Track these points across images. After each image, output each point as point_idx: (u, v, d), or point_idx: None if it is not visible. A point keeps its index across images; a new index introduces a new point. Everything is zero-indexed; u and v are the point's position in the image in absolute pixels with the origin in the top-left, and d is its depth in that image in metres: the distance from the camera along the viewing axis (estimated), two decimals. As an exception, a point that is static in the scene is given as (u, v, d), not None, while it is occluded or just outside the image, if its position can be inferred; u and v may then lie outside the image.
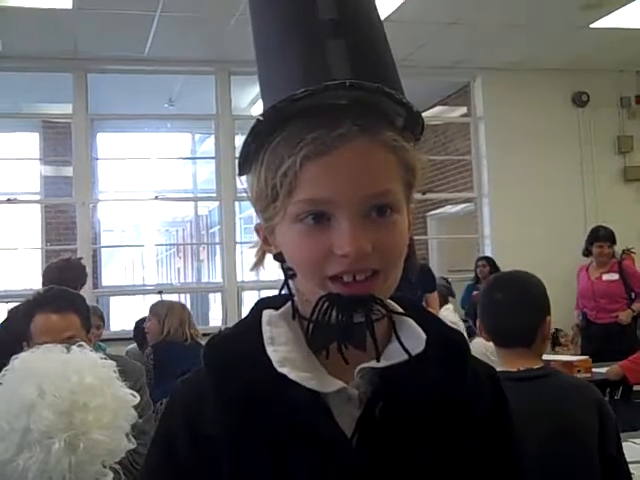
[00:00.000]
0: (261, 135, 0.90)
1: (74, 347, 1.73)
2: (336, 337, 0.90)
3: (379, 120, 0.90)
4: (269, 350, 0.93)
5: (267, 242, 0.97)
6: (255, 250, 1.01)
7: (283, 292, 0.99)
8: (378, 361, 0.92)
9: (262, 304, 1.01)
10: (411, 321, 0.98)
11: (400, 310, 0.98)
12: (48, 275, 4.49)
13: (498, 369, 2.14)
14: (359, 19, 0.96)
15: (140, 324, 5.79)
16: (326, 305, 0.88)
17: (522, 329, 2.23)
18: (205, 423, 0.92)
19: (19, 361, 1.67)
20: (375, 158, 0.88)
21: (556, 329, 8.08)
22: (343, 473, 0.90)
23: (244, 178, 0.96)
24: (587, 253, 7.10)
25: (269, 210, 0.92)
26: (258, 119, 0.89)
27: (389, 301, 0.95)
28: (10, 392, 1.58)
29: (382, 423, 0.91)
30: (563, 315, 8.01)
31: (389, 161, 0.90)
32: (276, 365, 0.91)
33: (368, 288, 0.88)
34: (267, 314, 0.98)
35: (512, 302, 2.26)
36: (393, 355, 0.93)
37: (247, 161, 0.93)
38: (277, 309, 0.99)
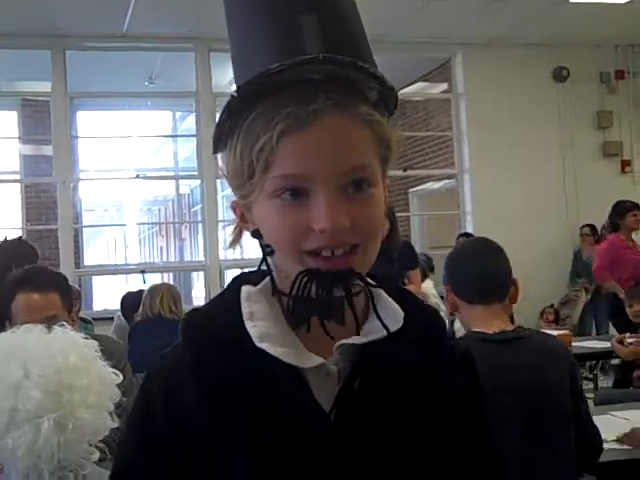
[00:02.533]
0: (235, 111, 0.90)
1: (55, 327, 1.73)
2: (316, 312, 0.91)
3: (353, 94, 0.90)
4: (248, 325, 0.93)
5: (244, 219, 0.97)
6: (232, 228, 1.00)
7: (262, 268, 0.99)
8: (359, 332, 0.93)
9: (240, 280, 1.01)
10: (389, 298, 0.99)
11: (379, 290, 0.98)
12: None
13: (473, 329, 2.21)
14: None
15: (128, 297, 5.87)
16: (305, 280, 0.89)
17: (500, 273, 2.31)
18: (183, 397, 0.93)
19: (0, 341, 1.67)
20: (350, 133, 0.88)
21: (552, 304, 8.16)
22: (321, 448, 0.90)
23: (214, 154, 0.96)
24: (616, 227, 6.74)
25: (245, 187, 0.92)
26: (232, 95, 0.89)
27: (368, 279, 0.96)
28: None
29: (360, 398, 0.92)
30: (545, 290, 8.10)
31: (364, 135, 0.90)
32: (255, 340, 0.91)
33: (347, 262, 0.89)
34: (246, 290, 0.98)
35: (486, 252, 2.36)
36: (371, 332, 0.94)
37: (222, 139, 0.93)
38: (255, 285, 0.99)
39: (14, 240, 4.58)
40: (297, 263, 0.90)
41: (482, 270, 2.29)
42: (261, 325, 0.93)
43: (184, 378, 0.93)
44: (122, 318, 5.91)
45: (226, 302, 0.99)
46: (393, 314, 0.96)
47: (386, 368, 0.93)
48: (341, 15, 0.94)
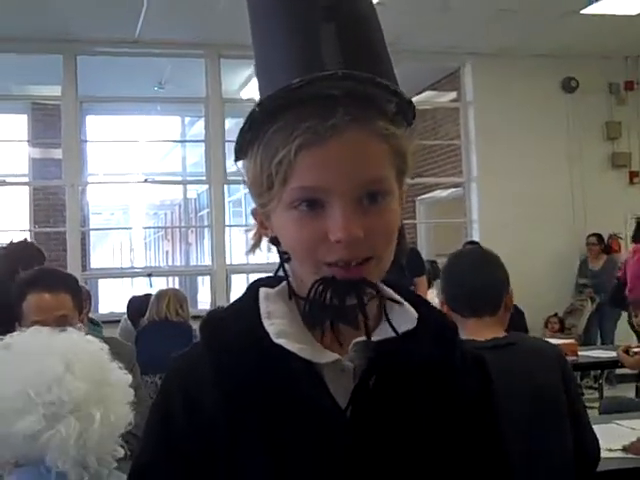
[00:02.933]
0: (256, 124, 0.92)
1: (70, 328, 1.76)
2: (330, 317, 0.93)
3: (371, 109, 0.92)
4: (266, 323, 0.96)
5: (263, 226, 1.00)
6: (252, 234, 1.03)
7: (278, 274, 1.02)
8: (369, 338, 0.95)
9: (258, 283, 1.04)
10: (403, 301, 1.01)
11: (391, 292, 1.01)
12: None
13: (464, 338, 2.22)
14: (351, 4, 0.98)
15: (134, 301, 5.88)
16: (321, 288, 0.91)
17: (492, 287, 2.32)
18: (202, 397, 0.94)
19: (26, 338, 1.70)
20: (367, 147, 0.91)
21: (555, 313, 8.13)
22: (337, 444, 0.92)
23: (236, 162, 0.99)
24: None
25: (264, 196, 0.94)
26: (254, 109, 0.92)
27: (384, 286, 0.99)
28: (32, 368, 1.59)
29: (375, 395, 0.94)
30: (550, 299, 8.09)
31: (381, 150, 0.93)
32: (273, 337, 0.94)
33: (360, 271, 0.91)
34: (264, 291, 1.01)
35: (480, 264, 2.36)
36: (387, 331, 0.97)
37: (243, 148, 0.96)
38: (273, 288, 1.02)
39: (21, 242, 4.59)
40: (313, 271, 0.92)
41: (472, 285, 2.30)
42: (279, 323, 0.96)
43: (203, 378, 0.95)
44: (128, 322, 5.93)
45: (244, 304, 1.01)
46: (407, 315, 0.99)
47: (401, 365, 0.96)
48: (360, 23, 0.97)
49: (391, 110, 0.94)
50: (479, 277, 2.31)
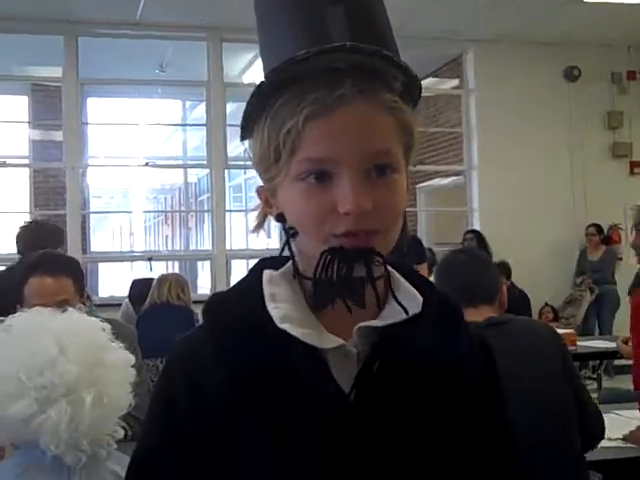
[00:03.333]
0: (263, 97, 0.92)
1: (71, 309, 1.75)
2: (337, 292, 0.92)
3: (378, 82, 0.92)
4: (270, 307, 0.95)
5: (268, 204, 0.99)
6: (256, 213, 1.02)
7: (283, 254, 1.01)
8: (380, 309, 0.95)
9: (262, 265, 1.03)
10: (407, 284, 1.01)
11: (397, 275, 1.01)
12: (22, 239, 4.40)
13: None
14: None
15: (136, 284, 5.89)
16: (329, 258, 0.91)
17: (487, 282, 2.46)
18: (204, 381, 0.94)
19: (23, 320, 1.69)
20: (375, 119, 0.91)
21: (546, 303, 8.15)
22: (340, 428, 0.92)
23: (242, 141, 0.98)
24: None
25: (271, 170, 0.94)
26: (261, 82, 0.92)
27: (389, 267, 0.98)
28: (24, 349, 1.59)
29: (379, 380, 0.94)
30: (549, 289, 8.10)
31: (388, 122, 0.92)
32: (277, 321, 0.93)
33: (368, 241, 0.91)
34: (268, 274, 1.00)
35: (473, 261, 2.53)
36: (391, 315, 0.96)
37: (249, 124, 0.96)
38: (277, 270, 1.01)
39: (41, 222, 4.65)
40: (321, 243, 0.92)
41: (467, 278, 2.42)
42: (283, 307, 0.95)
43: (205, 362, 0.95)
44: (129, 305, 5.93)
45: (248, 286, 1.01)
46: (412, 298, 0.98)
47: (405, 350, 0.95)
48: (368, 7, 0.97)
49: (397, 87, 0.94)
50: (472, 271, 2.45)
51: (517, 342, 2.25)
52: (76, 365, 1.57)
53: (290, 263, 1.00)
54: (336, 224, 0.90)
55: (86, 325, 1.68)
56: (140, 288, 5.77)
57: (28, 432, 1.57)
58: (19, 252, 4.19)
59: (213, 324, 0.98)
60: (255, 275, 1.01)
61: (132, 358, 1.71)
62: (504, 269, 7.45)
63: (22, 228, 4.40)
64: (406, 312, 0.95)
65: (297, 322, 0.94)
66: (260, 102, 0.93)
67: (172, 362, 1.00)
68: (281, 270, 1.01)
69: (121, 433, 1.66)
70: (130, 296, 5.94)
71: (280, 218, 0.98)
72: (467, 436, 0.98)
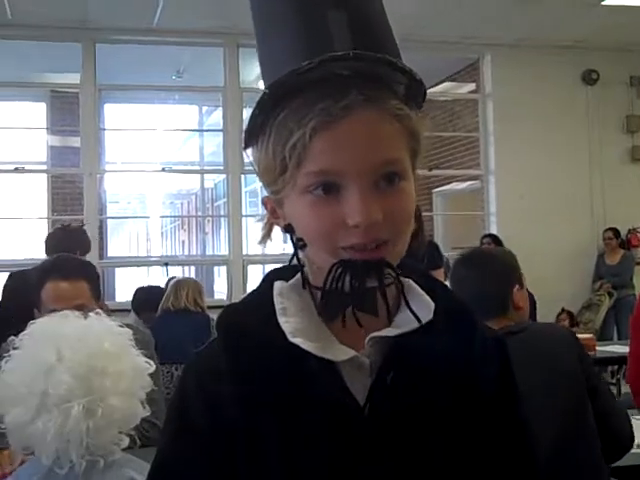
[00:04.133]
0: (267, 108, 0.91)
1: (91, 314, 1.75)
2: (349, 303, 0.91)
3: (383, 89, 0.91)
4: (281, 321, 0.94)
5: (275, 214, 0.98)
6: (262, 224, 1.02)
7: (293, 263, 1.00)
8: (390, 323, 0.94)
9: (272, 275, 1.03)
10: (419, 290, 1.00)
11: (409, 281, 0.99)
12: (51, 243, 4.45)
13: None
14: None
15: (139, 292, 5.78)
16: (339, 271, 0.90)
17: (488, 299, 2.31)
18: (219, 394, 0.94)
19: (37, 326, 1.69)
20: (381, 127, 0.90)
21: (562, 309, 8.07)
22: (356, 441, 0.91)
23: (245, 150, 0.97)
24: None
25: (278, 183, 0.93)
26: (264, 92, 0.91)
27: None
28: (29, 356, 1.60)
29: (393, 391, 0.93)
30: (567, 294, 8.04)
31: (395, 129, 0.91)
32: (289, 336, 0.92)
33: (379, 253, 0.90)
34: (278, 285, 0.99)
35: (473, 276, 2.38)
36: (403, 324, 0.95)
37: (253, 134, 0.94)
38: (287, 280, 1.00)
39: (68, 227, 4.69)
40: (331, 256, 0.91)
41: (472, 293, 2.30)
42: (294, 320, 0.95)
43: (220, 376, 0.94)
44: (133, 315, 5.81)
45: (259, 298, 1.00)
46: (424, 305, 0.97)
47: (418, 360, 0.94)
48: (369, 11, 0.96)
49: (401, 92, 0.94)
50: (475, 289, 2.32)
51: (533, 352, 2.17)
52: (71, 374, 1.56)
53: (300, 274, 0.99)
54: (346, 237, 0.89)
55: (95, 332, 1.66)
56: (144, 296, 5.64)
57: (23, 439, 1.58)
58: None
59: (226, 339, 0.98)
60: (266, 287, 1.01)
61: (146, 366, 1.70)
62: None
63: (50, 234, 4.48)
64: (419, 321, 0.94)
65: (309, 335, 0.93)
66: (263, 113, 0.91)
67: (188, 375, 1.00)
68: (291, 281, 1.00)
69: (126, 442, 1.65)
70: (134, 305, 5.76)
71: (288, 229, 0.97)
72: (485, 444, 0.97)
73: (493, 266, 2.40)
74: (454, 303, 1.02)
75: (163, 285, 5.95)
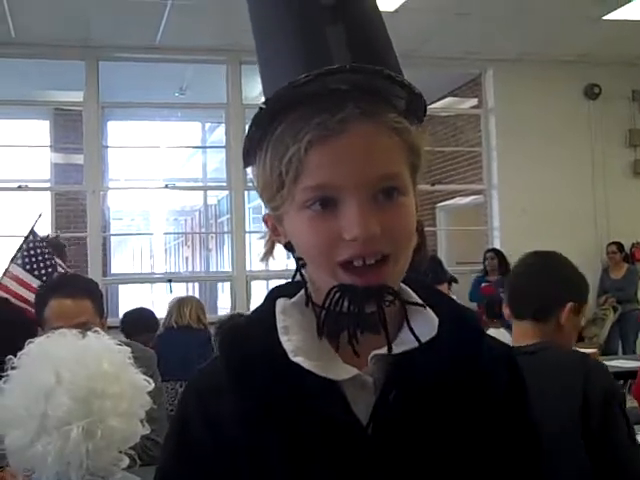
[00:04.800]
0: (264, 123, 0.90)
1: (89, 333, 1.74)
2: (348, 326, 0.90)
3: (381, 103, 0.90)
4: (283, 340, 0.93)
5: (276, 232, 0.97)
6: (264, 241, 1.01)
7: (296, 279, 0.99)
8: (390, 352, 0.92)
9: (276, 293, 1.01)
10: (424, 306, 0.97)
11: (412, 296, 0.97)
12: None
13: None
14: (357, 4, 0.95)
15: (128, 316, 5.65)
16: (337, 295, 0.89)
17: (534, 291, 2.18)
18: (221, 412, 0.93)
19: (35, 346, 1.68)
20: (379, 141, 0.88)
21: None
22: (360, 461, 0.90)
23: (245, 168, 0.96)
24: None
25: (276, 199, 0.92)
26: (260, 107, 0.89)
27: (403, 286, 0.96)
28: (27, 378, 1.59)
29: (397, 410, 0.92)
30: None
31: (393, 143, 0.90)
32: (290, 355, 0.91)
33: (379, 275, 0.88)
34: (281, 303, 0.98)
35: (534, 270, 2.24)
36: (406, 341, 0.93)
37: (251, 151, 0.93)
38: (290, 297, 0.99)
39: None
40: (329, 276, 0.90)
41: (514, 286, 2.25)
42: (295, 339, 0.93)
43: (221, 392, 0.94)
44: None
45: (262, 315, 0.99)
46: (427, 322, 0.95)
47: (422, 378, 0.92)
48: (368, 26, 0.95)
49: (401, 106, 0.92)
50: (522, 280, 2.22)
51: (538, 383, 1.94)
52: (71, 397, 1.55)
53: (303, 291, 0.98)
54: (343, 251, 0.88)
55: (93, 353, 1.65)
56: (133, 319, 5.46)
57: (23, 461, 1.57)
58: None
59: (229, 357, 0.97)
60: (269, 304, 0.99)
61: (145, 384, 1.69)
62: None
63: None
64: (420, 343, 0.92)
65: (310, 354, 0.92)
66: (261, 128, 0.90)
67: (189, 392, 0.99)
68: (294, 299, 0.99)
69: (126, 462, 1.64)
70: (125, 329, 5.48)
71: (288, 246, 0.96)
72: (493, 461, 0.95)
73: (562, 271, 2.23)
74: (461, 316, 1.00)
75: (167, 303, 5.89)
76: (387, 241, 0.88)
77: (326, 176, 0.87)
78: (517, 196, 8.35)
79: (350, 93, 0.88)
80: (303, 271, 0.97)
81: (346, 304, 0.88)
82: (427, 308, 0.97)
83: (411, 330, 0.93)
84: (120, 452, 1.63)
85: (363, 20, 0.94)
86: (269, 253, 1.01)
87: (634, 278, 8.33)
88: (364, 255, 0.87)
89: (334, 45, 0.90)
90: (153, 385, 1.74)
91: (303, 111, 0.88)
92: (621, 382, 5.85)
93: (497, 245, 8.39)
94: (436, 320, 0.95)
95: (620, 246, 8.34)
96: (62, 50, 7.57)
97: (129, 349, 1.73)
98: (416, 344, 0.92)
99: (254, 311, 1.03)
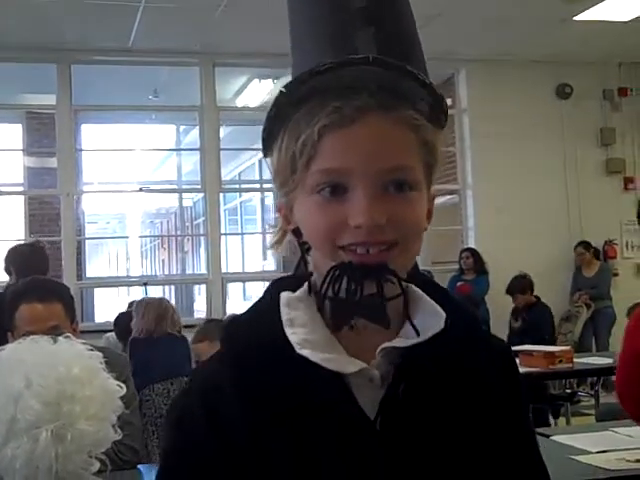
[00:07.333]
0: (283, 107, 0.91)
1: (60, 338, 1.73)
2: (351, 310, 0.89)
3: (400, 99, 0.90)
4: (288, 332, 0.92)
5: (287, 220, 0.97)
6: (275, 230, 1.00)
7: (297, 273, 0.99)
8: (387, 328, 0.90)
9: (278, 285, 1.00)
10: (428, 298, 0.97)
11: (417, 291, 0.96)
12: (12, 260, 4.45)
13: None
14: (389, 8, 0.97)
15: (122, 318, 5.63)
16: (337, 273, 0.88)
17: None
18: (224, 409, 0.91)
19: (6, 352, 1.68)
20: (393, 133, 0.89)
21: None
22: (368, 455, 0.89)
23: (265, 157, 0.97)
24: None
25: (289, 183, 0.92)
26: (281, 91, 0.90)
27: (411, 287, 0.95)
28: (1, 383, 1.58)
29: (405, 404, 0.91)
30: (548, 305, 8.09)
31: (408, 138, 0.90)
32: (296, 347, 0.90)
33: (380, 257, 0.88)
34: (285, 296, 0.96)
35: None
36: (412, 335, 0.92)
37: (269, 138, 0.94)
38: (293, 290, 0.98)
39: (29, 245, 4.68)
40: (330, 258, 0.89)
41: None
42: (301, 331, 0.92)
43: (225, 388, 0.91)
44: (113, 338, 5.65)
45: (265, 309, 0.97)
46: (434, 314, 0.94)
47: (429, 371, 0.92)
48: (398, 31, 0.96)
49: (424, 108, 0.93)
50: None
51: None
52: (40, 400, 1.54)
53: (306, 285, 0.97)
54: (347, 237, 0.88)
55: (64, 358, 1.65)
56: (126, 321, 5.33)
57: None
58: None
59: (232, 353, 0.95)
60: (272, 297, 0.98)
61: (118, 389, 1.69)
62: (526, 282, 7.44)
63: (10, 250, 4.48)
64: (418, 334, 0.91)
65: (316, 346, 0.90)
66: (279, 114, 0.92)
67: (190, 388, 0.97)
68: (298, 292, 0.97)
69: (96, 466, 1.63)
70: (118, 332, 5.52)
71: (296, 233, 0.96)
72: (500, 455, 0.95)
73: None
74: (461, 310, 1.00)
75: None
76: (392, 231, 0.88)
77: (337, 161, 0.88)
78: (491, 196, 8.40)
79: (370, 84, 0.88)
80: (308, 259, 0.96)
81: (345, 283, 0.88)
82: (432, 302, 0.96)
83: (411, 323, 0.92)
84: (90, 456, 1.63)
85: (394, 24, 0.96)
86: (279, 242, 1.00)
87: (606, 276, 8.41)
88: (367, 243, 0.87)
89: (362, 45, 0.92)
90: (125, 390, 1.73)
91: (321, 97, 0.88)
92: (595, 379, 5.92)
93: (472, 244, 8.45)
94: (443, 314, 0.94)
95: (587, 245, 8.39)
96: (34, 53, 7.51)
97: (101, 354, 1.73)
98: (425, 336, 0.91)
99: (255, 305, 1.00)
